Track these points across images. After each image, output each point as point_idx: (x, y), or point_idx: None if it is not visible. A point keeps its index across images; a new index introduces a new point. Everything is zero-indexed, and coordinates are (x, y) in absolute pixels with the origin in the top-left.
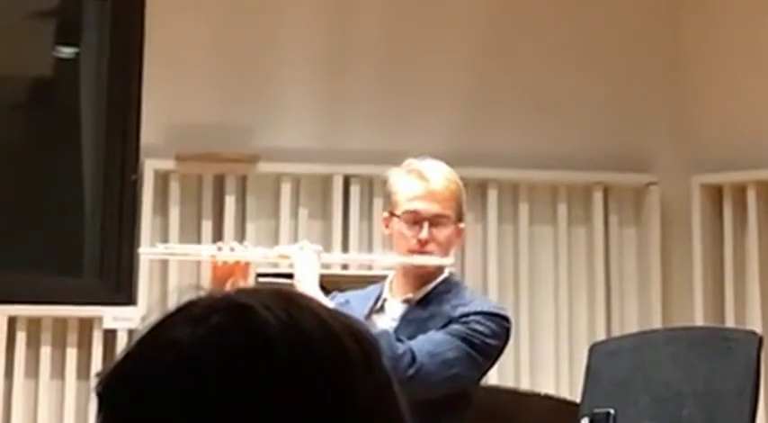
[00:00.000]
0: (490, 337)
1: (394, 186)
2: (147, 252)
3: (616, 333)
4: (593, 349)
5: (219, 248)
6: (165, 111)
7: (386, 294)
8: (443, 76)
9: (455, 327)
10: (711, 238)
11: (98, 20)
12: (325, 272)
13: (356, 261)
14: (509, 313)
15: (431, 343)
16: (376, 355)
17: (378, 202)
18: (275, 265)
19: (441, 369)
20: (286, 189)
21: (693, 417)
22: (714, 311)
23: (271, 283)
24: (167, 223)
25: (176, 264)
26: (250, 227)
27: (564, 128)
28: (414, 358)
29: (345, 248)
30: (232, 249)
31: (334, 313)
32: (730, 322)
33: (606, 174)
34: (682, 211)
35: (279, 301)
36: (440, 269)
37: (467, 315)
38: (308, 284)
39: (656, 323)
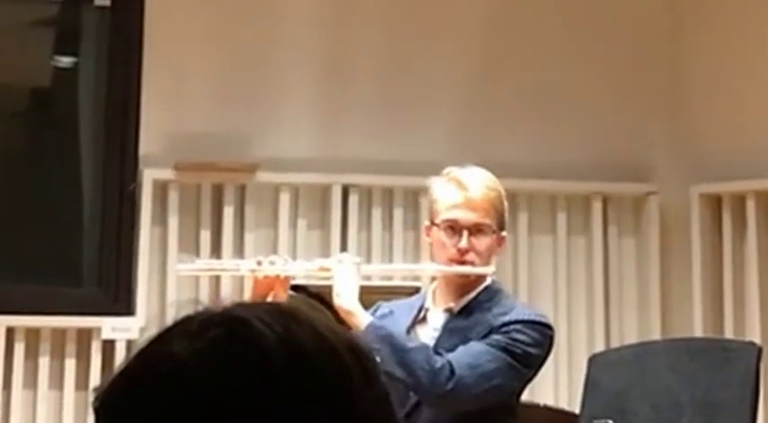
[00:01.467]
0: (532, 345)
1: (434, 195)
2: (185, 268)
3: (615, 343)
4: (593, 360)
5: (259, 263)
6: (164, 120)
7: (428, 304)
8: (442, 85)
9: (495, 337)
10: (711, 248)
11: (97, 29)
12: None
13: (397, 272)
14: (550, 320)
15: (470, 355)
16: (374, 369)
17: (376, 212)
18: (309, 278)
19: (480, 381)
20: (285, 198)
21: None
22: (713, 322)
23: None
24: (166, 233)
25: (175, 275)
26: (249, 236)
27: (563, 137)
28: (452, 371)
29: None
30: (272, 263)
31: (333, 328)
32: (729, 333)
33: (605, 183)
34: (681, 220)
35: (276, 315)
36: (481, 278)
37: (507, 324)
38: (345, 299)
39: (656, 333)
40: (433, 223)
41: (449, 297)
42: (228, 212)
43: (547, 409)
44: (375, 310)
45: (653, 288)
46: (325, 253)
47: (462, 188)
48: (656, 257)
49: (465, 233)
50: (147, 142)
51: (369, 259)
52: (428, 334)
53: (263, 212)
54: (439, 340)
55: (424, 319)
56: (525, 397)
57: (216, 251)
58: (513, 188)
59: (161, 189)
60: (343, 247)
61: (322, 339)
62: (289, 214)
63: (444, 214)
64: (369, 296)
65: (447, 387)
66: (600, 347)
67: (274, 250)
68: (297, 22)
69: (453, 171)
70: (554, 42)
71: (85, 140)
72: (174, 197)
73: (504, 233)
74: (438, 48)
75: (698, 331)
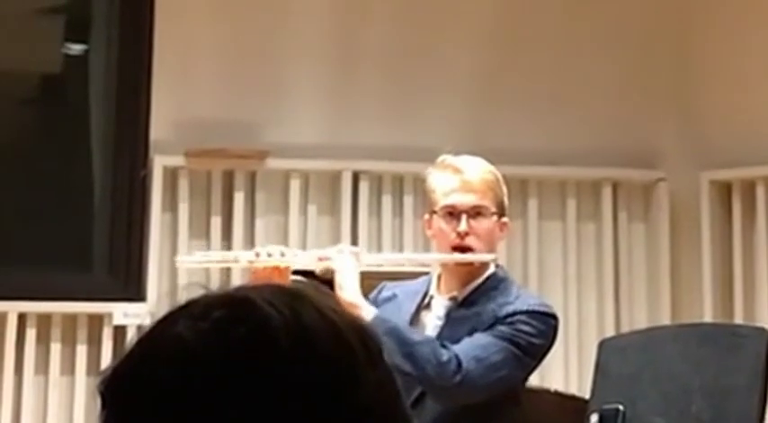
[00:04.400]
0: (536, 336)
1: (431, 185)
2: (186, 260)
3: (625, 329)
4: (603, 345)
5: (258, 254)
6: (175, 107)
7: (432, 291)
8: (452, 72)
9: (500, 328)
10: (720, 234)
11: (107, 16)
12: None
13: (397, 261)
14: (554, 310)
15: (476, 347)
16: (378, 351)
17: (387, 199)
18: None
19: (487, 373)
20: (295, 185)
21: (702, 412)
22: (723, 307)
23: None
24: (176, 219)
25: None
26: (259, 223)
27: (573, 124)
28: (459, 364)
29: (354, 244)
30: (270, 254)
31: (337, 310)
32: (739, 318)
33: (615, 170)
34: (691, 207)
35: (282, 297)
36: (485, 265)
37: (512, 315)
38: (349, 292)
39: (665, 319)
40: (432, 213)
41: (453, 285)
42: (239, 199)
43: (557, 394)
44: (380, 291)
45: (662, 274)
46: (336, 239)
47: (457, 172)
48: (665, 243)
49: (464, 217)
50: (158, 129)
51: (379, 245)
52: (432, 322)
53: (274, 199)
54: (443, 329)
55: (428, 306)
56: (535, 382)
57: (226, 238)
58: (523, 174)
59: (171, 176)
60: (354, 233)
61: (327, 321)
62: (299, 201)
63: (442, 201)
64: (371, 282)
65: (454, 380)
66: (610, 333)
67: (285, 237)
68: (307, 9)
69: (448, 158)
70: (563, 29)
71: (96, 128)
72: (184, 184)
73: (505, 219)
74: (448, 34)
75: (707, 316)
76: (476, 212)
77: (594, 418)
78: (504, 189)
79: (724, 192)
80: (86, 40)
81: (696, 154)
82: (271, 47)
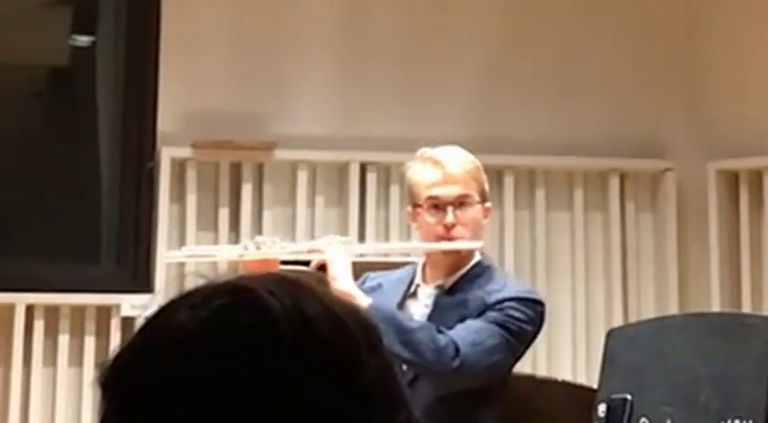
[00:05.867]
0: (526, 322)
1: (412, 178)
2: (173, 255)
3: (633, 319)
4: (610, 335)
5: (246, 247)
6: (182, 98)
7: (418, 280)
8: (460, 62)
9: (492, 314)
10: (728, 224)
11: (114, 8)
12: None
13: (388, 250)
14: (541, 297)
15: (471, 332)
16: (379, 339)
17: (394, 190)
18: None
19: (483, 358)
20: (302, 176)
21: (710, 402)
22: (731, 297)
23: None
24: (184, 211)
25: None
26: (267, 214)
27: (580, 114)
28: (457, 349)
29: (362, 235)
30: (258, 247)
31: (337, 299)
32: (747, 307)
33: (622, 160)
34: (698, 196)
35: (282, 285)
36: (471, 253)
37: (501, 302)
38: (343, 283)
39: (673, 309)
40: (416, 205)
41: (438, 274)
42: (246, 190)
43: (565, 384)
44: (363, 282)
45: (670, 264)
46: (343, 230)
47: (439, 165)
48: (673, 233)
49: (449, 208)
50: (165, 121)
51: (387, 236)
52: (419, 309)
53: (281, 190)
54: (431, 317)
55: (414, 295)
56: (543, 372)
57: (234, 229)
58: (531, 165)
59: (179, 167)
60: (362, 225)
61: (328, 309)
62: (307, 192)
63: (426, 193)
64: (369, 270)
65: (453, 365)
66: (617, 323)
67: (292, 228)
68: (315, 0)
69: (427, 151)
70: (571, 19)
71: (104, 119)
72: (192, 175)
73: (488, 204)
74: (456, 24)
75: (715, 306)
76: (460, 203)
77: (602, 407)
78: (484, 176)
79: (731, 182)
80: (93, 32)
81: (703, 144)
82: (278, 38)
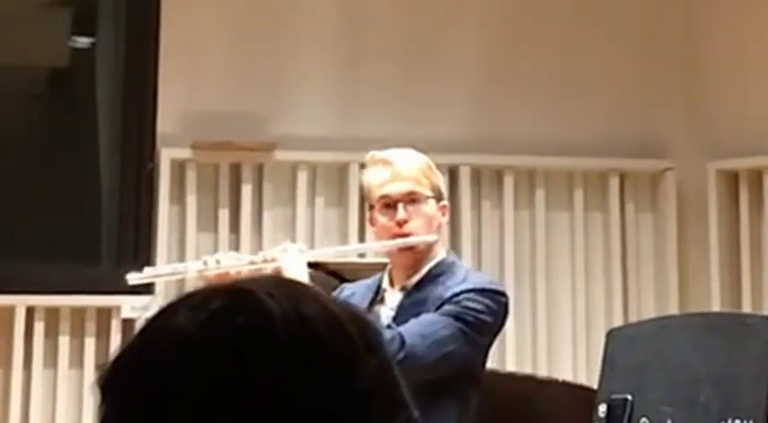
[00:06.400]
0: (484, 313)
1: (365, 182)
2: (136, 277)
3: (633, 319)
4: (611, 335)
5: (205, 262)
6: (182, 99)
7: (385, 285)
8: (460, 63)
9: (447, 307)
10: (728, 224)
11: (114, 9)
12: (342, 260)
13: (346, 252)
14: (504, 287)
15: (421, 325)
16: (377, 340)
17: None
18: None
19: (432, 349)
20: (302, 177)
21: (711, 402)
22: (731, 296)
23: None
24: (184, 212)
25: (194, 253)
26: (267, 215)
27: (580, 114)
28: (403, 342)
29: (362, 235)
30: (218, 262)
31: (334, 300)
32: (747, 307)
33: (622, 160)
34: (698, 196)
35: (281, 288)
36: (431, 251)
37: (458, 294)
38: None
39: (673, 308)
40: (371, 208)
41: (402, 276)
42: (246, 191)
43: (565, 384)
44: (340, 292)
45: (670, 263)
46: (343, 231)
47: (388, 164)
48: (673, 233)
49: (400, 205)
50: (165, 121)
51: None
52: (386, 314)
53: (281, 191)
54: (395, 319)
55: (381, 300)
56: (544, 372)
57: (234, 230)
58: (531, 165)
59: (179, 168)
60: (361, 225)
61: (326, 310)
62: (307, 193)
63: (377, 193)
64: (366, 273)
65: (398, 357)
66: (618, 323)
67: (292, 229)
68: (314, 1)
69: (377, 153)
70: (571, 20)
71: (103, 121)
72: (191, 176)
73: (444, 202)
74: (456, 25)
75: (715, 306)
76: (410, 199)
77: (603, 407)
78: (438, 174)
79: (731, 181)
80: (93, 33)
81: (703, 144)
82: (278, 39)
